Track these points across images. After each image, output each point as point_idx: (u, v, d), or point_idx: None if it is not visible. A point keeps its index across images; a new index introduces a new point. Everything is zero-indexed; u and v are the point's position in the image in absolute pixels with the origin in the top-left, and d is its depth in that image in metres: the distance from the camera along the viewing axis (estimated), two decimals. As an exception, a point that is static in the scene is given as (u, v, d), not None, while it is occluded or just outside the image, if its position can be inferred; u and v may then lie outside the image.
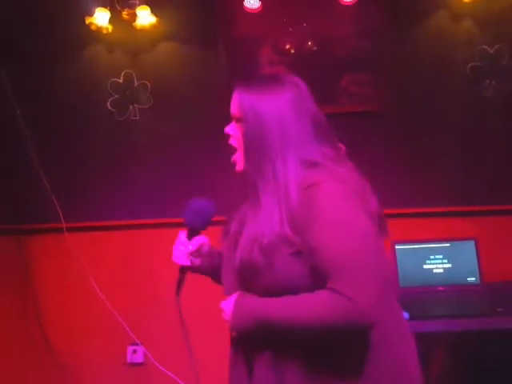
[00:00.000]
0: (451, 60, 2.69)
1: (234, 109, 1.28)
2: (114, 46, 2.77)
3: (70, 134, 2.79)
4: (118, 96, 2.77)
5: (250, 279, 1.19)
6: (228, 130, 1.31)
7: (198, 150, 2.70)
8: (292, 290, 1.14)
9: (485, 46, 2.68)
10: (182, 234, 1.39)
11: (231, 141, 1.30)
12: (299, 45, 2.70)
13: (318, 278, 1.12)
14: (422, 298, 2.29)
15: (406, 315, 2.02)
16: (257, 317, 1.16)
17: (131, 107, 2.77)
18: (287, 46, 2.70)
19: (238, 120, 1.27)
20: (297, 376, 1.15)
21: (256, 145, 1.21)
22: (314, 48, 2.69)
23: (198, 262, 1.40)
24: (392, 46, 2.68)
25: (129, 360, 2.72)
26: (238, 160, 1.29)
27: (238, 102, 1.26)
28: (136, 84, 2.77)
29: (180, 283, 1.40)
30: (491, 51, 2.68)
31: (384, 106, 2.66)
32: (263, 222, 1.17)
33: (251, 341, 1.21)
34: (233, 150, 1.30)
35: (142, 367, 2.72)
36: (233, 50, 2.71)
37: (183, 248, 1.37)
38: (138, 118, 2.77)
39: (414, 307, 2.08)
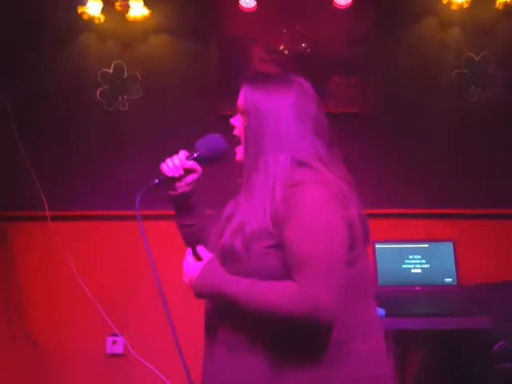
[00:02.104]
0: (438, 66, 2.74)
1: (240, 102, 1.33)
2: (105, 37, 2.77)
3: (58, 122, 2.78)
4: (107, 86, 2.77)
5: (229, 265, 1.24)
6: (233, 121, 1.36)
7: (185, 143, 2.70)
8: (265, 280, 1.20)
9: (471, 54, 2.74)
10: (184, 152, 1.41)
11: (235, 132, 1.35)
12: (291, 46, 2.73)
13: (288, 272, 1.18)
14: (400, 296, 2.34)
15: (381, 312, 2.07)
16: (218, 287, 1.21)
17: (120, 98, 2.77)
18: (280, 47, 2.73)
19: (242, 113, 1.32)
20: (255, 360, 1.20)
21: (254, 139, 1.27)
22: (307, 49, 2.72)
23: (181, 187, 1.40)
24: (381, 50, 2.72)
25: (108, 351, 2.73)
26: (239, 151, 1.34)
27: (243, 95, 1.31)
28: (126, 75, 2.78)
29: (152, 187, 1.37)
30: (477, 59, 2.74)
31: (371, 108, 2.71)
32: (250, 213, 1.23)
33: (217, 320, 1.26)
34: (235, 141, 1.35)
35: (121, 358, 2.73)
36: (225, 47, 2.73)
37: (177, 161, 1.38)
38: (126, 109, 2.78)
39: (392, 305, 2.13)
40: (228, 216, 1.30)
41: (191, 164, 1.39)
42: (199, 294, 1.26)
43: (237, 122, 1.35)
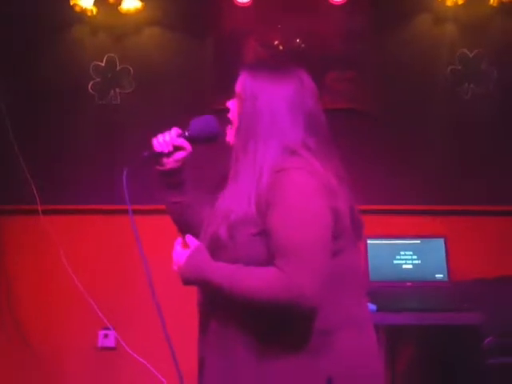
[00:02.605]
0: (432, 62, 2.75)
1: (238, 86, 1.34)
2: (97, 29, 2.75)
3: (49, 115, 2.76)
4: (99, 79, 2.76)
5: (216, 252, 1.25)
6: (229, 104, 1.37)
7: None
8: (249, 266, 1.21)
9: (465, 50, 2.74)
10: (176, 129, 1.43)
11: (229, 115, 1.37)
12: (286, 41, 2.72)
13: (272, 259, 1.19)
14: (391, 291, 2.35)
15: (373, 307, 2.08)
16: (203, 274, 1.23)
17: (112, 91, 2.76)
18: (274, 42, 2.72)
19: (238, 98, 1.33)
20: (243, 348, 1.22)
21: (246, 125, 1.28)
22: (302, 45, 2.72)
23: (169, 163, 1.42)
24: (376, 46, 2.72)
25: (100, 344, 2.73)
26: (230, 133, 1.36)
27: (241, 80, 1.32)
28: (118, 68, 2.76)
29: (141, 160, 1.41)
30: (471, 55, 2.74)
31: (364, 105, 2.70)
32: (235, 200, 1.24)
33: (208, 310, 1.29)
34: (229, 123, 1.37)
35: (113, 352, 2.73)
36: (219, 40, 2.72)
37: (168, 137, 1.41)
38: (118, 102, 2.76)
39: (383, 300, 2.14)
40: (219, 201, 1.31)
41: (181, 142, 1.42)
42: (186, 281, 1.28)
43: (232, 105, 1.36)
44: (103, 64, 2.76)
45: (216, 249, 1.25)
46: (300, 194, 1.19)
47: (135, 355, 2.65)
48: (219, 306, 1.26)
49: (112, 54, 2.75)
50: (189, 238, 1.32)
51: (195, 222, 1.42)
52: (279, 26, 2.73)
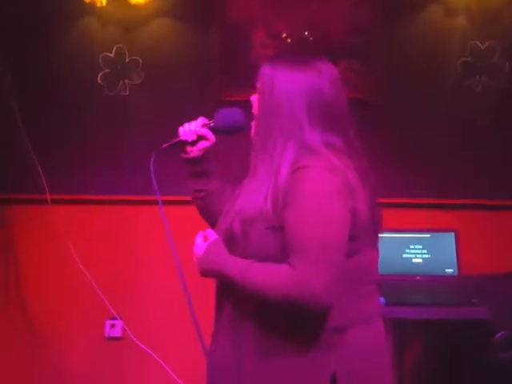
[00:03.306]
0: (443, 54, 2.71)
1: (258, 81, 1.34)
2: (107, 20, 2.74)
3: (59, 106, 2.76)
4: (108, 70, 2.75)
5: (230, 246, 1.27)
6: (252, 98, 1.38)
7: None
8: (263, 262, 1.22)
9: (476, 42, 2.71)
10: (202, 119, 1.46)
11: (253, 110, 1.37)
12: (293, 33, 2.70)
13: (286, 255, 1.19)
14: (400, 285, 2.33)
15: (381, 301, 2.06)
16: (218, 266, 1.26)
17: (121, 82, 2.75)
18: (282, 34, 2.70)
19: (258, 92, 1.34)
20: (252, 340, 1.23)
21: (265, 120, 1.29)
22: (309, 36, 2.70)
23: (193, 151, 1.46)
24: (385, 37, 2.69)
25: (107, 334, 2.74)
26: (254, 127, 1.36)
27: (261, 75, 1.33)
28: (127, 59, 2.75)
29: (167, 147, 1.46)
30: (482, 47, 2.71)
31: (373, 95, 2.68)
32: (251, 196, 1.24)
33: (223, 296, 1.31)
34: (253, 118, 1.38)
35: (119, 341, 2.73)
36: (226, 31, 2.70)
37: (193, 126, 1.45)
38: (127, 93, 2.76)
39: (391, 294, 2.11)
40: (237, 195, 1.33)
41: (204, 131, 1.45)
42: (203, 273, 1.31)
43: (254, 100, 1.36)
44: (112, 55, 2.75)
45: (229, 243, 1.27)
46: (317, 192, 1.18)
47: (142, 345, 2.65)
48: (232, 293, 1.27)
49: (121, 45, 2.74)
50: (209, 231, 1.34)
51: (217, 211, 1.43)
52: (286, 15, 2.70)
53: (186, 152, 1.47)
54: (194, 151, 1.46)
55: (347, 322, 1.23)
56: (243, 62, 2.64)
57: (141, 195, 2.66)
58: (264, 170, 1.24)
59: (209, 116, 1.48)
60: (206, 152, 1.47)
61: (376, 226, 1.29)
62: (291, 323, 1.21)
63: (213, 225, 1.45)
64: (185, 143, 1.46)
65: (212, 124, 1.45)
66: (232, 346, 1.26)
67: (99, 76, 2.75)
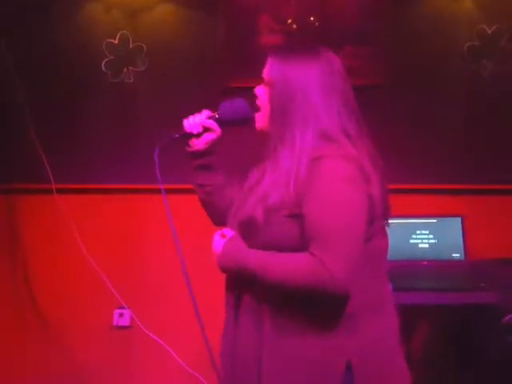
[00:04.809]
0: (449, 38, 2.69)
1: (266, 73, 1.34)
2: (111, 6, 2.71)
3: (63, 94, 2.74)
4: (112, 57, 2.73)
5: (248, 234, 1.28)
6: (256, 90, 1.37)
7: (191, 114, 2.68)
8: (283, 250, 1.23)
9: (483, 26, 2.68)
10: (207, 111, 1.44)
11: (258, 102, 1.36)
12: (300, 19, 2.67)
13: (305, 242, 1.20)
14: (407, 271, 2.33)
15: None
16: (238, 262, 1.27)
17: (125, 69, 2.73)
18: (288, 19, 2.68)
19: (267, 84, 1.33)
20: (273, 326, 1.24)
21: (280, 111, 1.28)
22: (315, 21, 2.67)
23: (198, 144, 1.44)
24: (392, 22, 2.67)
25: (115, 323, 2.75)
26: (259, 119, 1.36)
27: (270, 67, 1.32)
28: (132, 46, 2.73)
29: (171, 140, 1.43)
30: (489, 31, 2.68)
31: (380, 80, 2.66)
32: (274, 184, 1.25)
33: (240, 286, 1.31)
34: (257, 109, 1.37)
35: (128, 330, 2.74)
36: (232, 16, 2.68)
37: (198, 118, 1.42)
38: (132, 80, 2.74)
39: (399, 279, 2.11)
40: (251, 186, 1.33)
41: (210, 123, 1.42)
42: (223, 269, 1.31)
43: (260, 92, 1.35)
44: (116, 42, 2.73)
45: (249, 232, 1.27)
46: (336, 180, 1.20)
47: (150, 334, 2.66)
48: (251, 284, 1.27)
49: (125, 32, 2.72)
50: (226, 229, 1.34)
51: (221, 205, 1.44)
52: (292, 1, 2.68)
53: (190, 145, 1.45)
54: (199, 144, 1.44)
55: (361, 308, 1.24)
56: (249, 48, 2.63)
57: (148, 184, 2.66)
58: (286, 159, 1.25)
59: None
60: (212, 145, 1.45)
61: (386, 212, 1.31)
62: (308, 309, 1.22)
63: (216, 219, 1.47)
64: (190, 136, 1.43)
65: (217, 116, 1.43)
66: (254, 329, 1.27)
67: (103, 63, 2.73)
